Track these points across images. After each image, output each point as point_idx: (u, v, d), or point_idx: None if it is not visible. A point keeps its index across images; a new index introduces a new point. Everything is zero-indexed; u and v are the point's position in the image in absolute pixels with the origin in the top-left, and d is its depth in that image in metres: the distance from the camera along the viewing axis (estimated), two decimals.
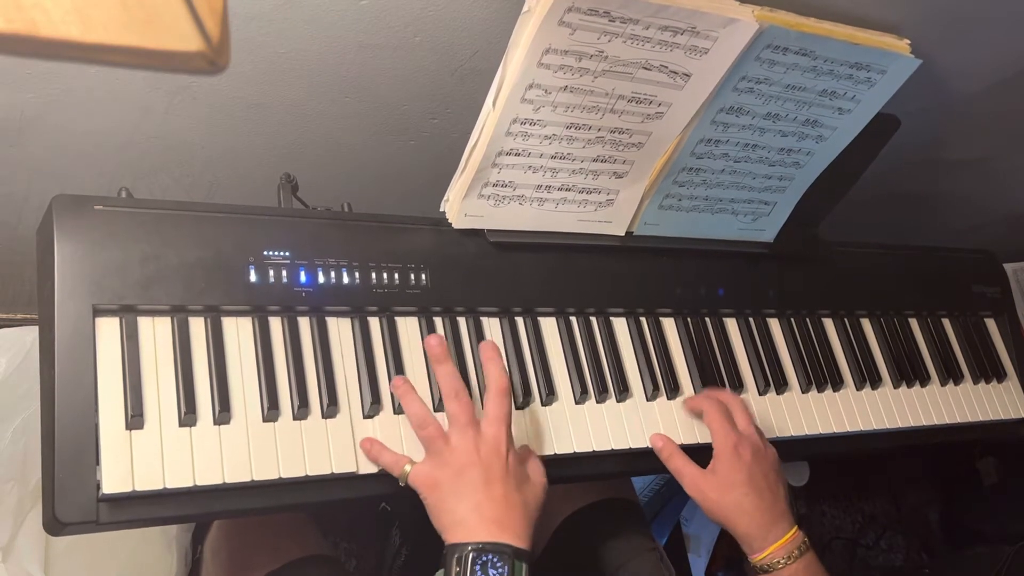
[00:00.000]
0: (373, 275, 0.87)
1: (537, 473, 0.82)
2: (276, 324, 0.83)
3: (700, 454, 0.92)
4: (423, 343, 0.88)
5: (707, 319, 1.05)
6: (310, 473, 0.78)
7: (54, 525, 0.70)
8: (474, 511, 0.76)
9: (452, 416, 0.80)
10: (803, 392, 1.06)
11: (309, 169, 1.08)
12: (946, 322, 1.25)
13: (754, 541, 0.86)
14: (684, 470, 0.90)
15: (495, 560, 0.74)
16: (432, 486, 0.78)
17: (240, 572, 0.97)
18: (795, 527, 0.88)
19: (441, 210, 0.92)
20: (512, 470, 0.79)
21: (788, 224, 1.08)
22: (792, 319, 1.10)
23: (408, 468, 0.79)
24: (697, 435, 0.96)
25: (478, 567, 0.73)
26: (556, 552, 1.12)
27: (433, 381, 0.86)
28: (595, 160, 0.91)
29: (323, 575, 0.99)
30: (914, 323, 1.22)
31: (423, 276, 0.89)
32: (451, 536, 0.76)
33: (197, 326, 0.79)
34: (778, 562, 0.85)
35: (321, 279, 0.84)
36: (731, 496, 0.87)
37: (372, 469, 0.81)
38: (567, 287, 0.97)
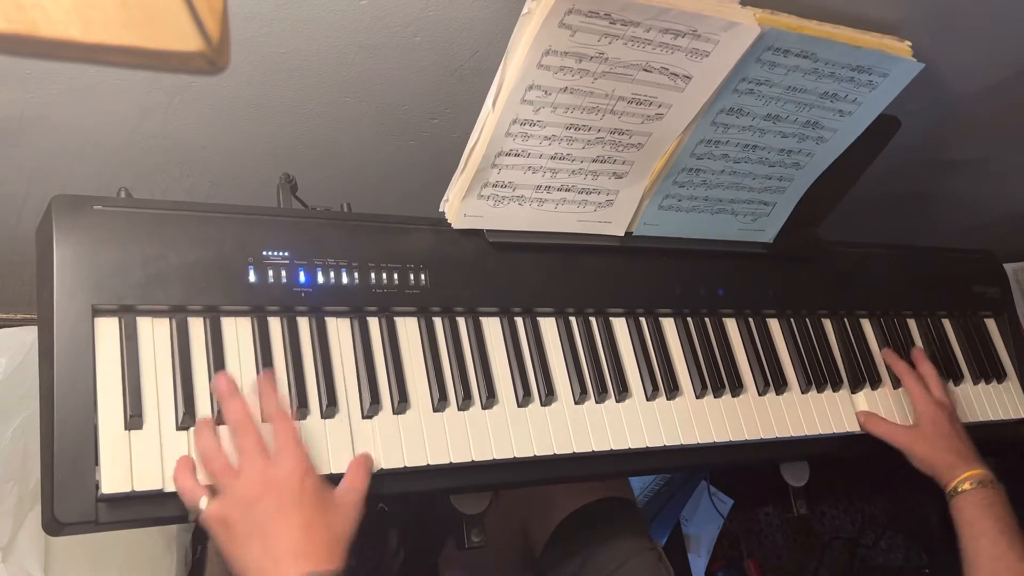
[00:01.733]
0: (372, 275, 0.87)
1: (346, 493, 0.76)
2: (275, 324, 0.83)
3: (703, 453, 0.92)
4: (421, 346, 0.88)
5: (707, 319, 1.04)
6: None
7: (53, 525, 0.70)
8: (268, 552, 0.69)
9: (240, 448, 0.73)
10: (803, 392, 1.06)
11: (309, 169, 1.08)
12: (946, 322, 1.25)
13: (955, 470, 1.03)
14: (891, 432, 1.07)
15: None
16: (224, 523, 0.70)
17: None
18: (984, 468, 1.04)
19: (441, 210, 0.92)
20: (311, 493, 0.72)
21: (788, 224, 1.08)
22: (792, 319, 1.10)
23: (204, 503, 0.71)
24: (697, 436, 0.96)
25: None
26: (555, 552, 1.12)
27: (431, 381, 0.86)
28: (595, 161, 0.91)
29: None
30: (914, 323, 1.21)
31: (422, 276, 0.89)
32: None
33: (196, 326, 0.79)
34: (969, 488, 1.01)
35: (320, 279, 0.84)
36: (939, 444, 1.06)
37: (372, 469, 0.80)
38: (567, 287, 0.97)
